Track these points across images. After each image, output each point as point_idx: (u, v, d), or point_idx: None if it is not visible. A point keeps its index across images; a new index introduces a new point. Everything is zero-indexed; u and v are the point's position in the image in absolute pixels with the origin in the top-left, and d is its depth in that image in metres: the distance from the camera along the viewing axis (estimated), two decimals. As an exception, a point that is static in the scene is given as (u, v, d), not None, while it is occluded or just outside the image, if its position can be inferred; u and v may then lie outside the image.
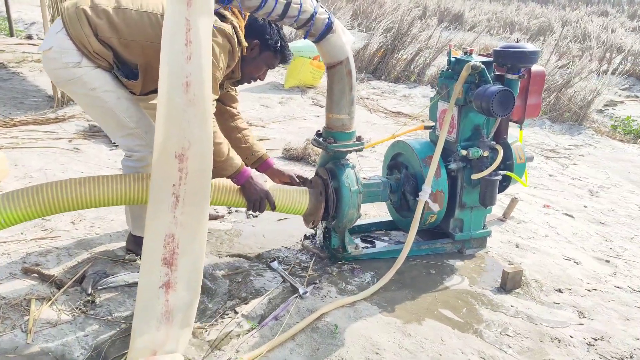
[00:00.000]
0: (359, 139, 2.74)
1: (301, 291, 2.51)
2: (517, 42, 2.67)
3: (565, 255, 3.18)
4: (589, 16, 19.99)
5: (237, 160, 2.45)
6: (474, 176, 2.75)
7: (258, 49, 2.49)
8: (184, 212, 2.13)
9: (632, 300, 2.72)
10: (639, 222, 3.86)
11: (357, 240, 3.05)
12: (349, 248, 2.82)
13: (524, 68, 2.63)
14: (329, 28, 2.46)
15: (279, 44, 2.51)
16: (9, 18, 9.72)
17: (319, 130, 2.82)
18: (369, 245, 3.01)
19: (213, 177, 2.55)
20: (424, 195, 2.69)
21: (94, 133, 4.73)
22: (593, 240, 3.47)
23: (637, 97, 9.04)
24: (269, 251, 2.93)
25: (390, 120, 6.42)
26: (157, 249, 2.11)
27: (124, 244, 2.86)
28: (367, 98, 7.33)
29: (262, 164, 2.85)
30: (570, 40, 11.63)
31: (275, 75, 8.34)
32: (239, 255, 2.87)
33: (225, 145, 2.40)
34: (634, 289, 2.84)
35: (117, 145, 4.37)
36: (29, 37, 9.81)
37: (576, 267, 3.04)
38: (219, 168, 2.41)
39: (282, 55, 2.56)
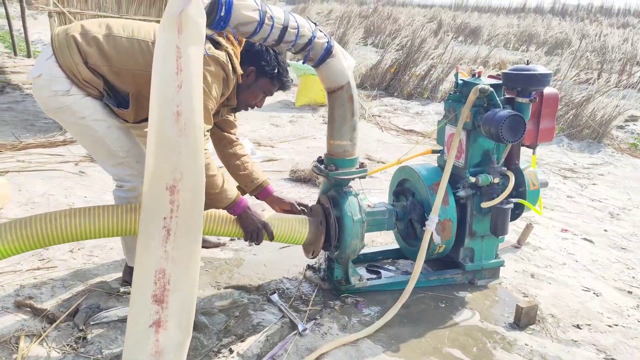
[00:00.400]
0: (361, 165, 2.63)
1: (300, 328, 2.38)
2: (528, 63, 2.53)
3: (584, 285, 3.00)
4: (608, 28, 19.68)
5: (232, 191, 2.36)
6: (484, 204, 2.61)
7: (254, 76, 2.41)
8: (176, 246, 2.04)
9: (657, 337, 2.53)
10: (664, 247, 3.66)
11: (362, 270, 2.92)
12: (353, 280, 2.69)
13: (535, 91, 2.50)
14: (328, 52, 2.36)
15: (276, 70, 2.42)
16: (26, 39, 9.86)
17: (320, 157, 2.71)
18: (374, 276, 2.87)
19: (208, 209, 2.49)
20: (431, 225, 2.56)
21: (100, 156, 4.69)
22: (614, 269, 3.28)
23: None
24: (269, 282, 2.81)
25: (402, 138, 6.29)
26: (147, 286, 2.02)
27: (120, 274, 2.77)
28: (379, 116, 7.22)
29: (261, 192, 2.75)
30: (589, 53, 11.39)
31: (287, 93, 8.29)
32: (238, 287, 2.76)
33: (219, 177, 2.30)
34: (658, 324, 2.65)
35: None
36: (46, 57, 9.91)
37: (596, 299, 2.86)
38: (214, 200, 2.33)
39: (280, 82, 2.47)
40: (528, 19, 24.82)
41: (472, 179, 2.59)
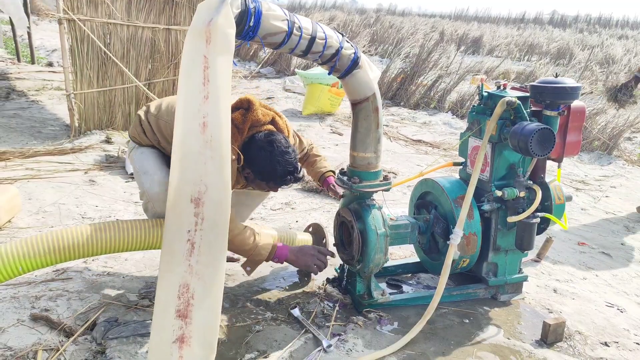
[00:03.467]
0: (385, 178, 2.58)
1: (325, 344, 2.32)
2: (556, 76, 2.50)
3: (607, 301, 2.95)
4: (609, 39, 19.77)
5: (266, 243, 2.55)
6: (510, 219, 2.56)
7: (252, 176, 2.49)
8: (200, 260, 2.00)
9: (686, 356, 2.48)
10: (682, 262, 3.62)
11: (383, 285, 2.87)
12: (375, 294, 2.64)
13: (563, 104, 2.46)
14: (355, 63, 2.33)
15: (271, 176, 2.45)
16: (30, 45, 9.83)
17: (343, 169, 2.67)
18: (395, 291, 2.82)
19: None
20: (456, 239, 2.51)
21: (109, 164, 4.64)
22: (635, 284, 3.24)
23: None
24: (289, 296, 2.76)
25: (411, 148, 6.25)
26: (170, 301, 1.97)
27: (137, 285, 2.72)
28: (387, 125, 7.19)
29: (324, 181, 2.96)
30: (594, 64, 11.41)
31: (294, 102, 8.27)
32: (258, 301, 2.70)
33: (248, 234, 2.49)
34: (686, 342, 2.60)
35: (132, 177, 4.28)
36: (50, 64, 9.90)
37: (620, 315, 2.81)
38: (253, 256, 2.54)
39: (281, 183, 2.51)
40: (528, 29, 24.95)
41: (499, 193, 2.55)
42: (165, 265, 2.00)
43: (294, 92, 8.99)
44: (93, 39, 5.19)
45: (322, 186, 2.99)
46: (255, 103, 2.45)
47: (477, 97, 2.73)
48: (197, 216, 1.97)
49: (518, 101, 2.48)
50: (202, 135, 1.96)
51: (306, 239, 2.97)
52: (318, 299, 2.72)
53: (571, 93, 2.39)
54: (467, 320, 2.62)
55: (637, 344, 2.55)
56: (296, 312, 2.59)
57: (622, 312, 2.85)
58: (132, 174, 4.48)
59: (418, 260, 3.02)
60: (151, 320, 2.08)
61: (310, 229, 3.07)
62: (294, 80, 9.36)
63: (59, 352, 2.22)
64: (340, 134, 6.56)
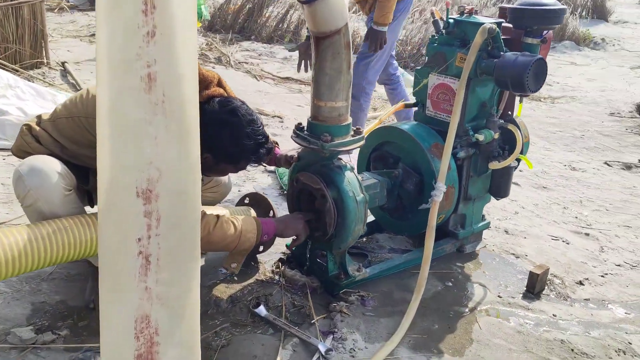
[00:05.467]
0: (357, 131, 2.09)
1: (322, 348, 1.84)
2: (537, -3, 2.19)
3: (549, 234, 2.92)
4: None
5: (249, 223, 1.96)
6: (494, 165, 2.29)
7: (213, 161, 1.84)
8: (161, 279, 1.37)
9: (642, 280, 2.54)
10: (573, 182, 3.80)
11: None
12: (352, 271, 2.20)
13: (547, 30, 2.18)
14: (330, -19, 1.73)
15: (239, 151, 1.85)
16: None
17: (300, 124, 2.10)
18: (366, 262, 2.41)
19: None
20: (439, 195, 2.15)
21: None
22: (555, 211, 3.29)
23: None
24: (241, 290, 2.17)
25: (282, 87, 5.72)
26: (124, 345, 1.35)
27: (23, 312, 1.90)
28: (246, 62, 6.49)
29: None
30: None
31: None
32: (204, 303, 2.08)
33: (225, 223, 1.90)
34: (633, 265, 2.67)
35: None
36: None
37: (570, 248, 2.79)
38: (239, 246, 1.94)
39: (255, 161, 1.92)
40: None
41: (480, 137, 2.23)
42: (107, 294, 1.33)
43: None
44: None
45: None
46: None
47: (433, 27, 2.33)
48: (149, 216, 1.31)
49: (497, 28, 2.13)
50: (148, 94, 1.27)
51: (248, 214, 2.35)
52: (279, 288, 2.19)
53: (560, 17, 2.12)
54: (450, 284, 2.34)
55: (602, 276, 2.54)
56: (262, 310, 2.03)
57: (568, 244, 2.84)
58: None
59: (372, 219, 2.63)
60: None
61: (247, 201, 2.46)
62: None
63: None
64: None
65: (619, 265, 2.66)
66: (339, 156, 2.11)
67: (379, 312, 2.10)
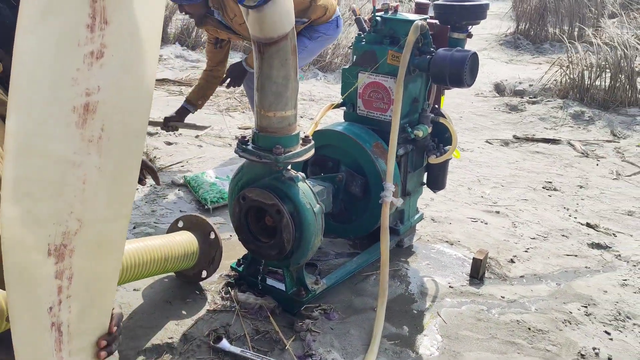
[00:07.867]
0: (306, 139, 1.97)
1: (306, 377, 1.72)
2: (458, -7, 2.24)
3: (468, 217, 3.07)
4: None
5: None
6: (433, 160, 2.31)
7: None
8: (73, 349, 1.17)
9: (559, 247, 2.75)
10: (466, 162, 4.02)
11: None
12: (310, 285, 2.09)
13: (472, 25, 2.25)
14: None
15: None
16: None
17: (244, 137, 1.92)
18: (316, 272, 2.31)
19: None
20: (389, 195, 2.13)
21: None
22: (463, 192, 3.46)
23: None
24: (194, 326, 1.96)
25: (161, 90, 5.34)
26: None
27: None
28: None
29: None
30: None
31: None
32: (156, 349, 1.84)
33: None
34: (544, 236, 2.90)
35: None
36: None
37: (490, 227, 2.95)
38: None
39: None
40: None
41: (419, 133, 2.24)
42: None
43: None
44: None
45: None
46: None
47: (356, 25, 2.28)
48: (60, 276, 1.09)
49: (427, 26, 2.15)
50: (80, 128, 1.04)
51: (186, 240, 2.11)
52: (236, 315, 2.01)
53: (485, 12, 2.19)
54: (402, 283, 2.34)
55: (526, 251, 2.72)
56: (225, 344, 1.85)
57: (487, 224, 3.00)
58: None
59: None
60: None
61: (181, 224, 2.21)
62: None
63: None
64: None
65: (533, 239, 2.87)
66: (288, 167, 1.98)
67: (346, 323, 2.03)
